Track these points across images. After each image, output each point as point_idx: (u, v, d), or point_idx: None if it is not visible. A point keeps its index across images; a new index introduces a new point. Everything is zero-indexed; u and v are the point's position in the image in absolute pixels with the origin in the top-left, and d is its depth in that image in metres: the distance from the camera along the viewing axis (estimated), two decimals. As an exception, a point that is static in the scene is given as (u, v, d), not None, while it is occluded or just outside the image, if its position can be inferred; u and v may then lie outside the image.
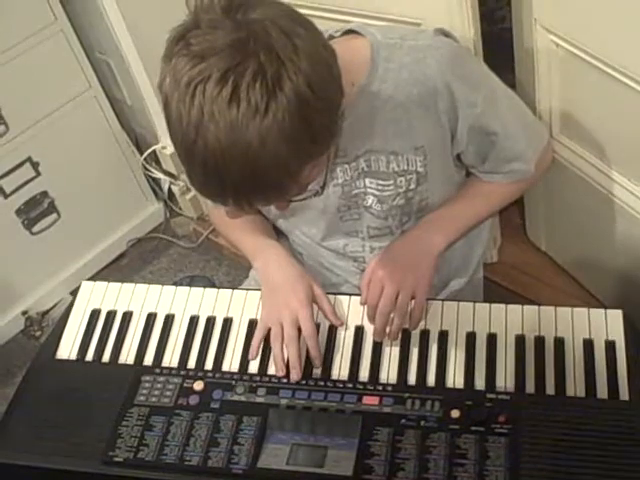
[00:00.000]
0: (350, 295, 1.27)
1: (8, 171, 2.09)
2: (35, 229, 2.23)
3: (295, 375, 1.17)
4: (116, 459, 1.13)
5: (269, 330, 1.22)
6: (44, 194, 2.20)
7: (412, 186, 1.21)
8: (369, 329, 1.22)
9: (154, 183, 2.48)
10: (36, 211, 2.20)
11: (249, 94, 0.85)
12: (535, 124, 1.34)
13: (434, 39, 1.15)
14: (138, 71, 2.10)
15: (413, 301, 1.19)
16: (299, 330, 1.20)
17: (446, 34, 1.20)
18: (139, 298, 1.33)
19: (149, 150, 2.36)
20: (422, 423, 1.10)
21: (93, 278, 2.40)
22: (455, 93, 1.12)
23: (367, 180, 1.21)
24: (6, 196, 2.12)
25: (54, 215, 2.25)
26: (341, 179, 1.21)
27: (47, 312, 2.34)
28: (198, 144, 0.88)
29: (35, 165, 2.14)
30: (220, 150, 0.88)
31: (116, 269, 2.45)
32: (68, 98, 2.13)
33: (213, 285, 2.08)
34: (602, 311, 1.20)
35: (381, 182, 1.21)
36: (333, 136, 0.99)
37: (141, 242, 2.49)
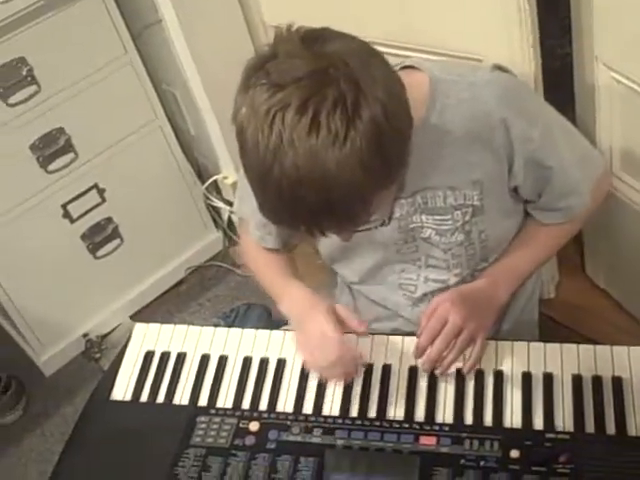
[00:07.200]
0: (403, 336, 1.27)
1: (75, 197, 2.15)
2: (99, 254, 2.28)
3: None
4: (174, 500, 1.13)
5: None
6: (109, 220, 2.25)
7: (467, 218, 1.21)
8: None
9: (214, 212, 2.52)
10: (100, 236, 2.25)
11: (329, 122, 0.87)
12: (591, 154, 1.31)
13: (492, 74, 1.16)
14: (203, 103, 2.15)
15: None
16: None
17: (504, 69, 1.21)
18: (192, 339, 1.34)
19: (211, 179, 2.41)
20: (481, 463, 1.08)
21: (152, 304, 2.45)
22: (511, 128, 1.13)
23: (423, 216, 1.22)
24: (72, 221, 2.18)
25: (117, 240, 2.30)
26: (397, 213, 1.22)
27: (107, 335, 2.37)
28: (274, 170, 0.90)
29: (101, 192, 2.19)
30: (297, 176, 0.89)
31: (175, 295, 2.48)
32: (135, 128, 2.19)
33: (269, 313, 2.09)
34: (659, 351, 1.18)
35: (438, 217, 1.22)
36: (404, 165, 1.01)
37: (200, 269, 2.52)
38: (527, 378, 1.18)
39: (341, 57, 0.90)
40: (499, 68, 1.20)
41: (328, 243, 1.35)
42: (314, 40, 0.92)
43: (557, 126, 1.22)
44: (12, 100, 1.94)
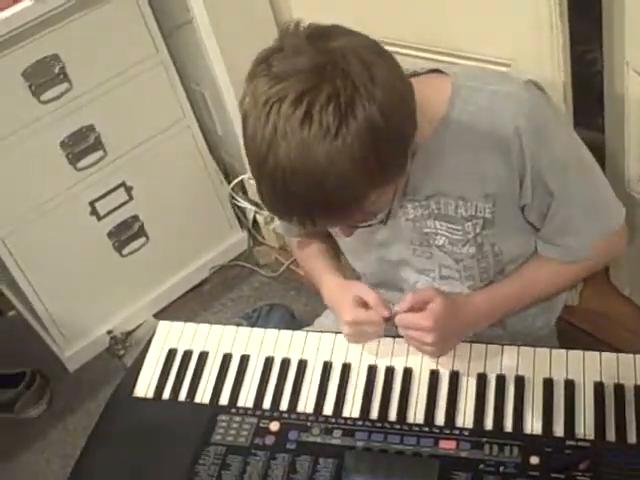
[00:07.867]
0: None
1: (103, 194, 2.18)
2: (125, 251, 2.30)
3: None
4: (193, 498, 1.13)
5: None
6: (135, 218, 2.27)
7: (478, 230, 1.20)
8: (444, 373, 1.22)
9: (239, 212, 2.54)
10: (126, 234, 2.27)
11: (321, 116, 0.89)
12: (608, 207, 1.24)
13: (519, 87, 1.13)
14: (231, 103, 2.16)
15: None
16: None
17: (537, 87, 1.17)
18: (215, 339, 1.35)
19: (237, 179, 2.43)
20: (501, 469, 1.08)
21: (175, 302, 2.47)
22: (524, 142, 1.11)
23: (437, 222, 1.22)
24: (100, 219, 2.21)
25: (143, 239, 2.32)
26: (412, 215, 1.22)
27: (131, 332, 2.40)
28: (269, 160, 0.92)
29: (129, 189, 2.22)
30: (289, 167, 0.91)
31: (198, 294, 2.50)
32: (163, 127, 2.21)
33: (292, 314, 2.10)
34: (682, 360, 1.16)
35: (451, 226, 1.21)
36: (402, 167, 1.01)
37: (224, 269, 2.53)
38: (548, 385, 1.17)
39: (343, 54, 0.91)
40: (534, 84, 1.16)
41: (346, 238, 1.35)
42: (320, 36, 0.94)
43: (576, 163, 1.18)
44: (44, 97, 1.97)
